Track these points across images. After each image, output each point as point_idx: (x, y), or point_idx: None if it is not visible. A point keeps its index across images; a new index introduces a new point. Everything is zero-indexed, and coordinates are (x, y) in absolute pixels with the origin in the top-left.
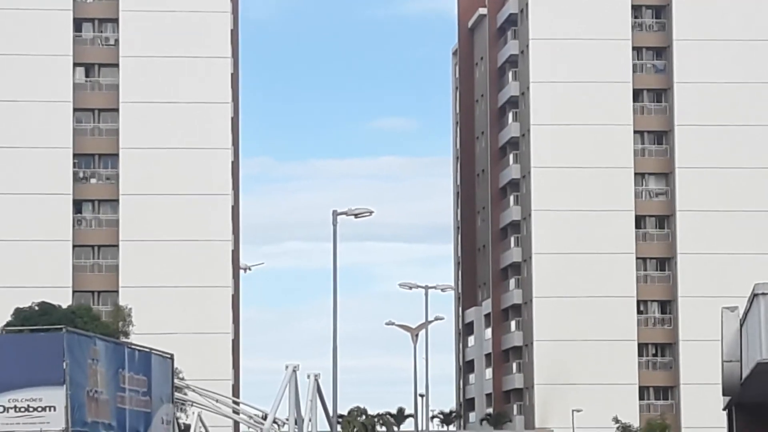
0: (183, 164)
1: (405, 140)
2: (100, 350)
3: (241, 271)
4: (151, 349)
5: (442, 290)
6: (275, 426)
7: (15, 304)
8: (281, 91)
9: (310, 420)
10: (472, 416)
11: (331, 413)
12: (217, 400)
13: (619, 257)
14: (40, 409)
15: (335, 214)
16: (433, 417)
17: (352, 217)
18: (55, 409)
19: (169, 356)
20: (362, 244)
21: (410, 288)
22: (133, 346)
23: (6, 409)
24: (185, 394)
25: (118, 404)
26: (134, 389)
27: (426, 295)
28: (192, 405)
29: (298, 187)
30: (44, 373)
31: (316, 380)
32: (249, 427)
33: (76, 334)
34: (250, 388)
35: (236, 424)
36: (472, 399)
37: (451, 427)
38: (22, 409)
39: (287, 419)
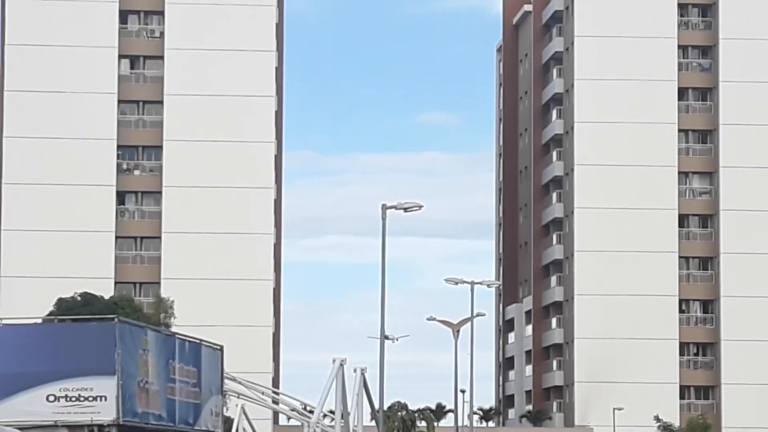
0: (226, 157)
1: (448, 136)
2: (150, 341)
3: (388, 342)
4: (201, 340)
5: (488, 286)
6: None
7: (58, 294)
8: (325, 86)
9: (355, 414)
10: (512, 413)
11: (377, 407)
12: (263, 393)
13: (661, 256)
14: (91, 398)
15: (384, 208)
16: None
17: (401, 211)
18: (106, 399)
19: (218, 348)
20: (402, 239)
21: (456, 283)
22: (183, 337)
23: (57, 398)
24: (225, 383)
25: (168, 395)
26: (184, 380)
27: (472, 290)
28: (239, 396)
29: (340, 181)
30: (96, 363)
31: (363, 374)
32: (289, 419)
33: (128, 324)
34: (288, 381)
35: (275, 415)
36: (512, 396)
37: (490, 424)
38: (73, 399)
39: (330, 411)
